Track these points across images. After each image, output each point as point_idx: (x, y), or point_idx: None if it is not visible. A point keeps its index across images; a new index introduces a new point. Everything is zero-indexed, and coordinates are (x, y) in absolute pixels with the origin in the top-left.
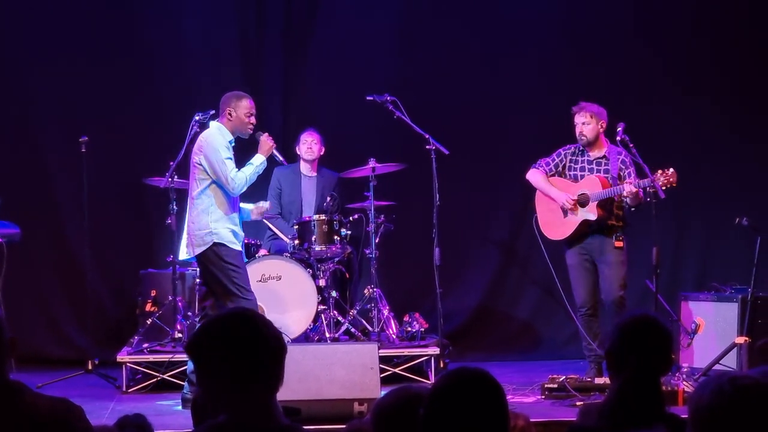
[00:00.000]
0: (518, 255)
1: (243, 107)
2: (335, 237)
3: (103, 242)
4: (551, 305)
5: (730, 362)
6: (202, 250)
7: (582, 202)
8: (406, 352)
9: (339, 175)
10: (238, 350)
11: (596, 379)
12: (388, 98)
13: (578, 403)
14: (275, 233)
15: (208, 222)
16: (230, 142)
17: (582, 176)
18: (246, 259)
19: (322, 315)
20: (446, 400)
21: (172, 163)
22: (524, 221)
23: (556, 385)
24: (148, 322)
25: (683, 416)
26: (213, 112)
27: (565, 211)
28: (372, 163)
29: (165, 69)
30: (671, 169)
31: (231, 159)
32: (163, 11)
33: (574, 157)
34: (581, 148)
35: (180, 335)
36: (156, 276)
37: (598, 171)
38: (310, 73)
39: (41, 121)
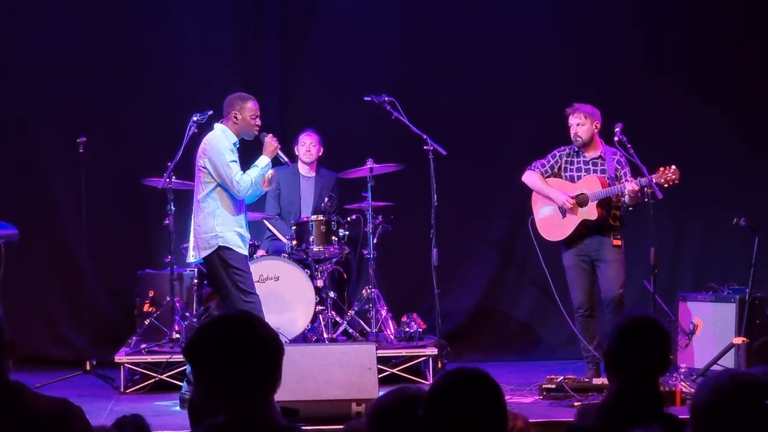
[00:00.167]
0: (516, 255)
1: (248, 109)
2: (333, 237)
3: (101, 243)
4: (549, 306)
5: (728, 363)
6: (207, 253)
7: (581, 202)
8: (404, 352)
9: (337, 176)
10: (235, 352)
11: (594, 379)
12: (386, 99)
13: (576, 404)
14: (274, 234)
15: (214, 225)
16: (234, 144)
17: (579, 177)
18: None
19: (320, 315)
20: (445, 400)
21: (170, 164)
22: (522, 222)
23: (554, 386)
24: (146, 323)
25: (681, 417)
26: (211, 112)
27: (563, 212)
28: (370, 164)
29: (163, 69)
30: (673, 167)
31: (236, 162)
32: (161, 12)
33: (569, 158)
34: (576, 149)
35: (178, 336)
36: (154, 277)
37: (595, 171)
38: (309, 74)
39: (39, 122)
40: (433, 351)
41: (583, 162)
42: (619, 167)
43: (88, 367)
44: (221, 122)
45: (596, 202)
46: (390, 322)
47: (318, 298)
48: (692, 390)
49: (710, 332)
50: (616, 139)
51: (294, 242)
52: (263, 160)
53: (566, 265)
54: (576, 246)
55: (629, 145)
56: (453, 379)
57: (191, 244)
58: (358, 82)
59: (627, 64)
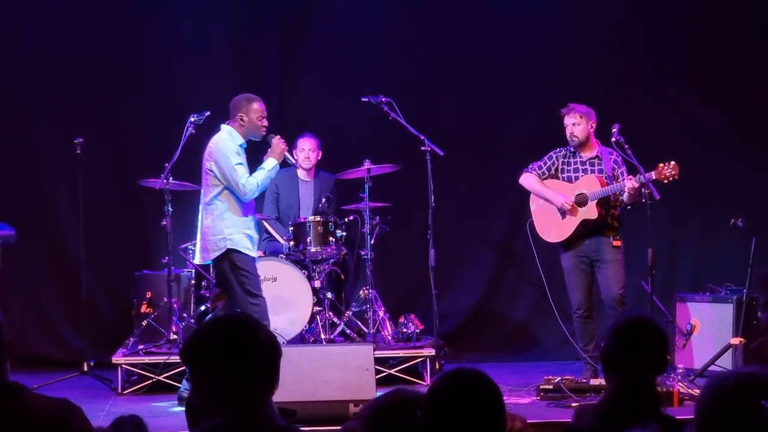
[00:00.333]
0: (514, 256)
1: (255, 110)
2: (330, 238)
3: (99, 244)
4: (547, 307)
5: (726, 363)
6: (216, 255)
7: (580, 202)
8: (402, 353)
9: (336, 177)
10: (232, 355)
11: (591, 380)
12: (383, 99)
13: (574, 405)
14: (271, 235)
15: (223, 228)
16: (241, 145)
17: (576, 177)
18: None
19: (318, 316)
20: (444, 401)
21: (167, 165)
22: (520, 222)
23: (551, 387)
24: (144, 324)
25: (679, 417)
26: (208, 113)
27: (562, 213)
28: (367, 165)
29: (161, 70)
30: (672, 162)
31: (242, 164)
32: (159, 13)
33: (566, 159)
34: (572, 149)
35: (175, 337)
36: (151, 278)
37: (593, 171)
38: (306, 74)
39: (37, 122)
40: (430, 352)
41: (580, 162)
42: (616, 167)
43: (85, 368)
44: (228, 123)
45: (596, 201)
46: (387, 322)
47: (315, 299)
48: (690, 391)
49: (708, 333)
50: (613, 139)
51: (291, 243)
52: (270, 162)
53: (565, 266)
54: (575, 247)
55: (626, 146)
56: (452, 380)
57: (198, 245)
58: (356, 83)
59: (627, 64)
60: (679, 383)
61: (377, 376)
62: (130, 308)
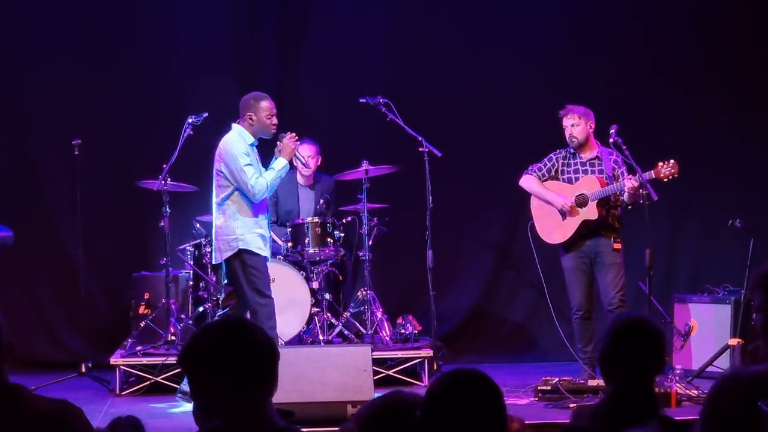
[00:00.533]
0: (512, 257)
1: (263, 109)
2: (328, 239)
3: (97, 245)
4: (545, 308)
5: (724, 364)
6: (228, 255)
7: (581, 203)
8: (400, 354)
9: (335, 179)
10: (230, 359)
11: (589, 381)
12: (381, 100)
13: (571, 405)
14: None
15: (235, 228)
16: (252, 144)
17: (576, 179)
18: None
19: (316, 317)
20: (444, 402)
21: (165, 166)
22: (519, 223)
23: (549, 388)
24: (142, 325)
25: (677, 418)
26: (206, 114)
27: (563, 214)
28: (365, 166)
29: (159, 71)
30: (672, 161)
31: (251, 165)
32: (157, 13)
33: (566, 161)
34: (572, 151)
35: (173, 338)
36: (149, 279)
37: (593, 172)
38: (305, 74)
39: (35, 124)
40: (428, 353)
41: (580, 163)
42: (617, 167)
43: (83, 370)
44: (238, 122)
45: (596, 201)
46: (385, 323)
47: (313, 300)
48: (688, 391)
49: (706, 334)
50: (611, 141)
51: (289, 244)
52: (280, 162)
53: (566, 268)
54: (576, 248)
55: (624, 147)
56: (451, 381)
57: (213, 246)
58: (355, 83)
59: (626, 64)
60: (677, 384)
61: (375, 377)
62: (128, 309)
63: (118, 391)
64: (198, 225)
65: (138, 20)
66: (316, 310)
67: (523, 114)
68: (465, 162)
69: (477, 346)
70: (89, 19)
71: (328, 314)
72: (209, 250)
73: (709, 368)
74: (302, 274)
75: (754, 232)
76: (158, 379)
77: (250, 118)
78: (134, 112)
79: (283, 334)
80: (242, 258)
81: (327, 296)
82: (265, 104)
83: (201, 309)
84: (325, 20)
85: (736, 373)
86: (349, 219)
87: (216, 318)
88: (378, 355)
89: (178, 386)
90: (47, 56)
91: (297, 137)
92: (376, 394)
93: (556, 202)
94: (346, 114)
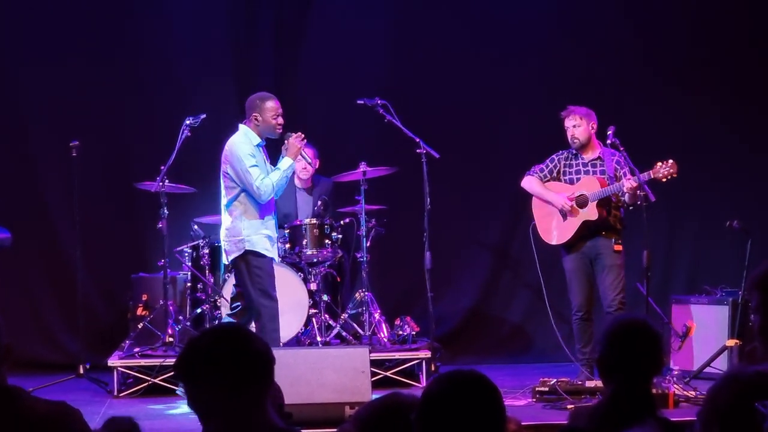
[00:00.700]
0: (510, 258)
1: (269, 109)
2: (326, 241)
3: (95, 246)
4: (543, 309)
5: (722, 365)
6: (234, 256)
7: (581, 203)
8: (398, 355)
9: (333, 181)
10: (227, 367)
11: (587, 382)
12: (379, 102)
13: (569, 407)
14: None
15: (241, 229)
16: (258, 144)
17: (578, 179)
18: None
19: (314, 319)
20: (442, 404)
21: (163, 167)
22: (517, 224)
23: (547, 389)
24: (139, 327)
25: (674, 419)
26: (204, 116)
27: (564, 215)
28: (363, 167)
29: (157, 72)
30: (670, 160)
31: (256, 166)
32: (154, 14)
33: (568, 162)
34: (574, 152)
35: (171, 339)
36: (147, 280)
37: (594, 173)
38: (303, 75)
39: (32, 125)
40: (426, 354)
41: (582, 164)
42: (619, 167)
43: (81, 371)
44: (244, 123)
45: (596, 202)
46: (383, 325)
47: (311, 302)
48: (685, 392)
49: (704, 335)
50: (609, 141)
51: (287, 246)
52: (286, 162)
53: (567, 268)
54: (577, 249)
55: (622, 148)
56: (450, 382)
57: (222, 246)
58: (353, 84)
59: (626, 64)
60: (675, 385)
61: (373, 379)
62: (126, 311)
63: (116, 393)
64: (196, 226)
65: (136, 21)
66: (313, 311)
67: (522, 115)
68: (464, 162)
69: (475, 347)
70: (89, 19)
71: (326, 316)
72: (207, 251)
73: (707, 369)
74: (300, 276)
75: (751, 233)
76: (156, 380)
77: (256, 119)
78: (132, 113)
79: (281, 336)
80: (247, 259)
81: (325, 298)
82: (271, 104)
83: (199, 310)
84: (324, 21)
85: (735, 373)
86: (347, 220)
87: (215, 323)
88: (376, 356)
89: (176, 387)
90: (46, 56)
91: (304, 137)
92: (374, 396)
93: (557, 202)
94: (344, 115)
